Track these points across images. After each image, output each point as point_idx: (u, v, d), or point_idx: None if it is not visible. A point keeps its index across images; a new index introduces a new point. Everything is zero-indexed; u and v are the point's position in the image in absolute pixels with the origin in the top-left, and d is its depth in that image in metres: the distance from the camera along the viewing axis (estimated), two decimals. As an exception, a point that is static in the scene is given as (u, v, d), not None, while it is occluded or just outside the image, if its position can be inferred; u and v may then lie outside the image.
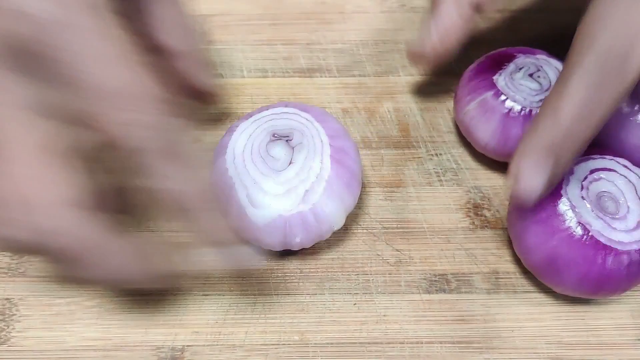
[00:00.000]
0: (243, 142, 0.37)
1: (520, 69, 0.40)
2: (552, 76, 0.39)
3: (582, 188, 0.35)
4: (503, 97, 0.39)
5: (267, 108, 0.39)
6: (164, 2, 0.36)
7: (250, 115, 0.39)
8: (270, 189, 0.35)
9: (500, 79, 0.39)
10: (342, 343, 0.37)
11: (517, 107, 0.38)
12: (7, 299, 0.37)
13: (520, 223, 0.36)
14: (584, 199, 0.35)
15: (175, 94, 0.32)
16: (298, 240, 0.36)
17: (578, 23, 0.32)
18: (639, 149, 0.38)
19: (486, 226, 0.40)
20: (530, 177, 0.32)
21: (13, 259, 0.39)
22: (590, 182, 0.36)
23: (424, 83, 0.46)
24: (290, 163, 0.36)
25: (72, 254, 0.27)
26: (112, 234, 0.28)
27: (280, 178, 0.36)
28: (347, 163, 0.37)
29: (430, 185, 0.42)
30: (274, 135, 0.37)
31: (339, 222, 0.37)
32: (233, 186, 0.36)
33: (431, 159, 0.42)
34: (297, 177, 0.36)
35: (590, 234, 0.34)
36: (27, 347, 0.36)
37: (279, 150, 0.36)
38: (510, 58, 0.40)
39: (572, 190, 0.35)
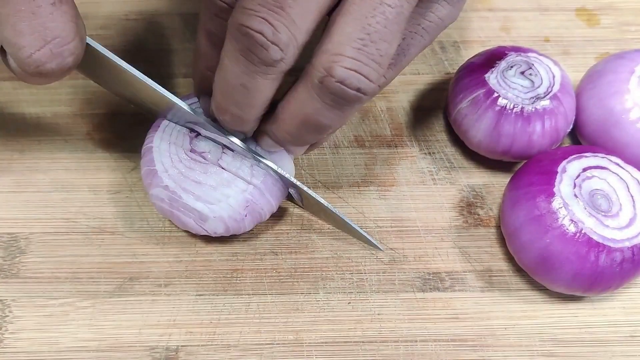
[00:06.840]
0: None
1: (512, 66, 0.40)
2: (544, 74, 0.40)
3: (574, 186, 0.36)
4: (495, 95, 0.39)
5: None
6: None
7: None
8: (215, 181, 0.35)
9: (491, 77, 0.39)
10: (337, 342, 0.37)
11: (509, 105, 0.38)
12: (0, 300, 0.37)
13: (513, 221, 0.36)
14: (576, 197, 0.35)
15: None
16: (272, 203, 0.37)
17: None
18: (631, 146, 0.39)
19: (479, 224, 0.40)
20: None
21: (6, 261, 0.38)
22: (583, 180, 0.36)
23: (416, 82, 0.46)
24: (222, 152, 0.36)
25: None
26: None
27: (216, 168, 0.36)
28: None
29: (424, 184, 0.42)
30: None
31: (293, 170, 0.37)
32: (180, 199, 0.35)
33: (424, 158, 0.43)
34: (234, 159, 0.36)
35: (583, 231, 0.34)
36: (20, 348, 0.36)
37: (205, 145, 0.36)
38: (501, 56, 0.40)
39: (564, 188, 0.35)
